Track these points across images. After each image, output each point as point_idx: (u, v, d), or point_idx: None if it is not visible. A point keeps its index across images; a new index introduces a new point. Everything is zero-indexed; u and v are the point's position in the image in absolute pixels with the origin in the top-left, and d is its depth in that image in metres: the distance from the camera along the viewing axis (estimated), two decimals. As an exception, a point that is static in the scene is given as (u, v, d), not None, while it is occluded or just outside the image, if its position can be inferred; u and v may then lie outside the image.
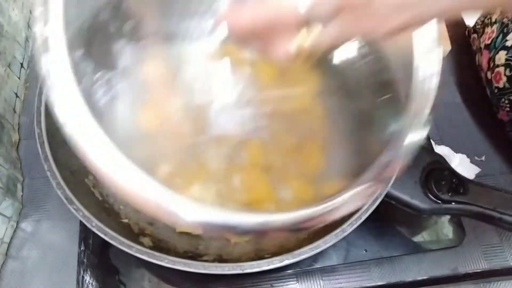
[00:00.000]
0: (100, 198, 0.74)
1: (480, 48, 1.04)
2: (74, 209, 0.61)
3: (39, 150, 0.65)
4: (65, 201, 0.61)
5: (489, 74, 0.98)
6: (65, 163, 0.67)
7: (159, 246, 0.71)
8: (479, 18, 1.11)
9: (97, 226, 0.60)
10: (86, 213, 0.61)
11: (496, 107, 0.99)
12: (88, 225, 0.60)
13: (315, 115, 0.90)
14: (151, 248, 0.61)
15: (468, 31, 1.15)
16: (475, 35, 1.10)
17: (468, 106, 1.00)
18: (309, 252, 0.60)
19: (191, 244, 0.75)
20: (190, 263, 0.59)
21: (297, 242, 0.73)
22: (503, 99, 0.94)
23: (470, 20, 1.18)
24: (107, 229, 0.60)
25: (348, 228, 0.62)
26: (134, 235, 0.71)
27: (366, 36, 0.49)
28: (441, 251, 0.86)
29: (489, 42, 1.00)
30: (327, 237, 0.61)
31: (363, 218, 0.63)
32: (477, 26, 1.10)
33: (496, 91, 0.96)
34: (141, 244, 0.64)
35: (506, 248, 0.88)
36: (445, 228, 0.86)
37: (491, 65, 0.97)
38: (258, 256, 0.70)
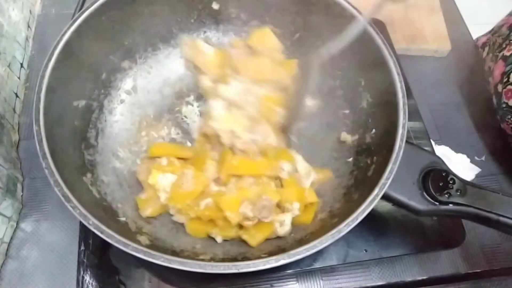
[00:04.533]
0: (98, 196, 0.74)
1: (496, 55, 1.03)
2: (71, 206, 0.61)
3: (37, 147, 0.65)
4: (62, 198, 0.61)
5: (500, 86, 0.97)
6: (63, 161, 0.68)
7: (156, 245, 0.71)
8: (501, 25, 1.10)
9: (94, 224, 0.60)
10: (83, 210, 0.61)
11: (500, 117, 0.99)
12: (85, 223, 0.60)
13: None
14: (148, 246, 0.61)
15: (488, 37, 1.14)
16: (494, 38, 1.09)
17: (469, 106, 1.00)
18: (305, 252, 0.60)
19: (188, 243, 0.76)
20: (186, 262, 0.59)
21: (294, 242, 0.74)
22: (509, 116, 0.94)
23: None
24: (103, 227, 0.60)
25: (344, 228, 0.62)
26: (131, 233, 0.71)
27: None
28: (441, 251, 0.86)
29: (508, 54, 0.98)
30: (323, 238, 0.61)
31: (360, 218, 0.63)
32: (499, 33, 1.08)
33: (504, 106, 0.95)
34: (138, 242, 0.65)
35: (506, 248, 0.88)
36: (445, 228, 0.85)
37: (505, 79, 0.96)
38: (255, 256, 0.70)
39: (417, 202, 0.71)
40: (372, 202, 0.64)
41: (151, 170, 0.79)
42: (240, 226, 0.77)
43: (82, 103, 0.80)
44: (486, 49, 1.11)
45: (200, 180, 0.77)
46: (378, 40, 0.78)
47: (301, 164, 0.84)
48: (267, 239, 0.77)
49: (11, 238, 0.84)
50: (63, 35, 0.74)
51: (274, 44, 0.95)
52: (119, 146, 0.86)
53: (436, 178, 0.71)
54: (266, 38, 0.94)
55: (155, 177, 0.78)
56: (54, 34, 0.74)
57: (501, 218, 0.68)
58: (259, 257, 0.60)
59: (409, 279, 0.85)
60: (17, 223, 0.86)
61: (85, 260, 0.79)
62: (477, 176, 0.97)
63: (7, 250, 0.83)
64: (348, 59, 0.87)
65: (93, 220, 0.61)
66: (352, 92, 0.88)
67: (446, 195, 0.70)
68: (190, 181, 0.77)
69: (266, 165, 0.80)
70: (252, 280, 0.82)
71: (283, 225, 0.76)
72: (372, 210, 0.64)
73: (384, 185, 0.66)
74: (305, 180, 0.82)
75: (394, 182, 0.66)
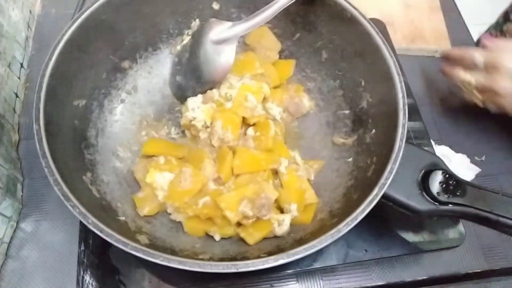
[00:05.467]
0: (98, 196, 0.74)
1: None
2: (71, 205, 0.61)
3: (37, 146, 0.65)
4: (62, 197, 0.61)
5: None
6: (63, 160, 0.67)
7: (156, 244, 0.71)
8: None
9: (93, 223, 0.60)
10: (83, 209, 0.61)
11: None
12: (84, 222, 0.60)
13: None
14: (147, 246, 0.61)
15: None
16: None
17: (469, 106, 1.00)
18: (304, 252, 0.60)
19: (188, 243, 0.76)
20: (185, 261, 0.59)
21: (293, 242, 0.73)
22: None
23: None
24: (103, 226, 0.60)
25: (344, 228, 0.62)
26: (131, 232, 0.71)
27: None
28: (441, 251, 0.85)
29: None
30: (323, 238, 0.61)
31: (359, 218, 0.63)
32: None
33: None
34: (138, 242, 0.65)
35: (506, 248, 0.88)
36: (445, 228, 0.85)
37: None
38: (254, 256, 0.70)
39: (417, 202, 0.71)
40: (372, 202, 0.64)
41: (148, 168, 0.80)
42: (238, 224, 0.77)
43: (82, 102, 0.81)
44: None
45: (198, 179, 0.77)
46: (378, 40, 0.78)
47: (299, 160, 0.85)
48: (266, 239, 0.77)
49: (11, 238, 0.84)
50: (63, 35, 0.74)
51: (271, 43, 0.95)
52: (119, 146, 0.86)
53: (436, 178, 0.71)
54: (263, 37, 0.95)
55: (153, 175, 0.78)
56: (54, 34, 0.74)
57: (501, 219, 0.68)
58: (258, 257, 0.60)
59: (409, 279, 0.85)
60: (17, 223, 0.86)
61: (85, 260, 0.79)
62: (477, 176, 0.96)
63: (7, 250, 0.83)
64: (348, 59, 0.87)
65: (92, 219, 0.60)
66: (352, 92, 0.88)
67: (446, 196, 0.70)
68: (188, 179, 0.77)
69: (268, 160, 0.80)
70: (252, 280, 0.82)
71: (281, 225, 0.76)
72: (372, 210, 0.64)
73: (383, 185, 0.65)
74: (304, 172, 0.83)
75: (393, 182, 0.66)
